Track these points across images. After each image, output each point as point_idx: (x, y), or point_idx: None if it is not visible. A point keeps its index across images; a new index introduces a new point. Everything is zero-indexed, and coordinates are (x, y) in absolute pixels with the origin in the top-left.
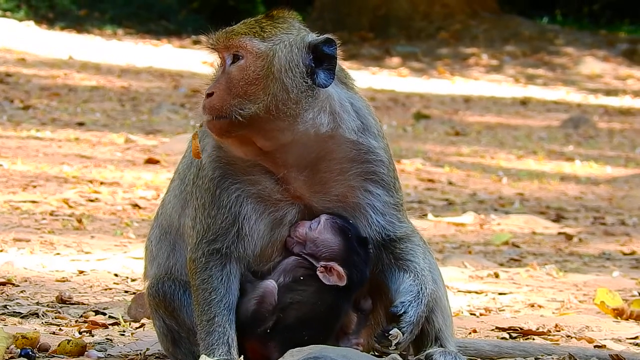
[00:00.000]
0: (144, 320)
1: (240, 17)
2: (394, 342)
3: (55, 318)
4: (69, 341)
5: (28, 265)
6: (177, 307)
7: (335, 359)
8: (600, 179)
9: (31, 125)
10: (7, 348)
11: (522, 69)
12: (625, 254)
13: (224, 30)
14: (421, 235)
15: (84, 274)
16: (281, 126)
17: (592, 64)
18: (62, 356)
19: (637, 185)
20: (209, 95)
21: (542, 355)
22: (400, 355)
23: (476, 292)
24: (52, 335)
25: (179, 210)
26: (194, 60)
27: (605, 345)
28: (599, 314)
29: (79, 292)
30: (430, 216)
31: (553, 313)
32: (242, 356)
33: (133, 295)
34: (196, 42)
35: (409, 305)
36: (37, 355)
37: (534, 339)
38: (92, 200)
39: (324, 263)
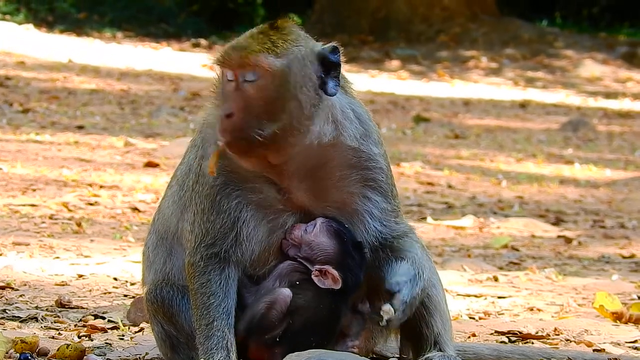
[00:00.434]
0: (143, 325)
1: (239, 20)
2: (385, 317)
3: (55, 322)
4: (68, 345)
5: (27, 269)
6: (175, 312)
7: None
8: (600, 182)
9: (30, 128)
10: (7, 352)
11: (522, 72)
12: (624, 257)
13: (235, 46)
14: (419, 237)
15: (84, 278)
16: (293, 141)
17: (591, 67)
18: None
19: (637, 188)
20: (228, 116)
21: (541, 359)
22: (399, 359)
23: (475, 296)
24: (51, 339)
25: (178, 215)
26: (194, 63)
27: (604, 349)
28: (598, 318)
29: (78, 296)
30: (429, 219)
31: (552, 317)
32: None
33: (132, 299)
34: (196, 45)
35: (404, 285)
36: (36, 359)
37: (533, 343)
38: (91, 204)
39: (319, 266)
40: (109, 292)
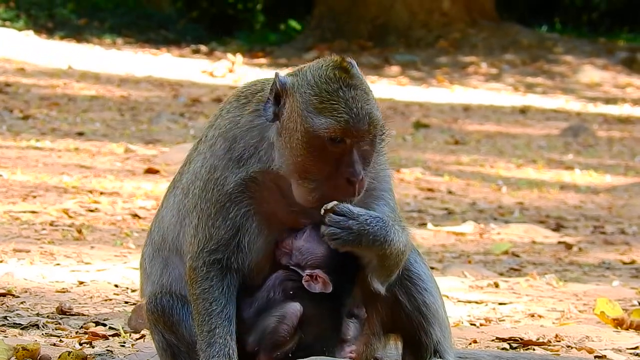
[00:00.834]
0: (144, 331)
1: (239, 26)
2: (323, 207)
3: (56, 329)
4: (69, 352)
5: (28, 276)
6: (176, 321)
7: None
8: (600, 187)
9: (31, 135)
10: (8, 359)
11: (521, 78)
12: (625, 263)
13: (363, 115)
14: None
15: (84, 285)
16: None
17: (591, 72)
18: None
19: (637, 194)
20: (360, 179)
21: None
22: None
23: (476, 302)
24: (52, 346)
25: (181, 221)
26: (194, 69)
27: (605, 356)
28: (599, 324)
29: (79, 303)
30: (429, 225)
31: (553, 323)
32: None
33: (133, 306)
34: (195, 51)
35: (364, 211)
36: None
37: (534, 350)
38: (91, 211)
39: (309, 271)
40: (110, 299)
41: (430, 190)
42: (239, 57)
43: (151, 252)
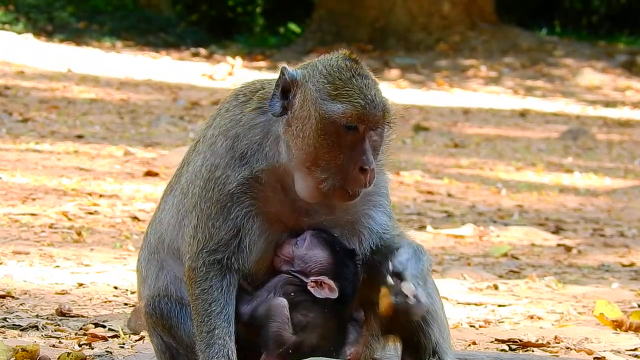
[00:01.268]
0: (143, 333)
1: (238, 29)
2: (411, 294)
3: (55, 331)
4: (68, 354)
5: (27, 278)
6: (174, 324)
7: None
8: (600, 190)
9: (30, 138)
10: None
11: (521, 81)
12: (624, 266)
13: (378, 102)
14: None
15: (84, 287)
16: None
17: (591, 76)
18: None
19: (636, 196)
20: (366, 169)
21: None
22: None
23: (475, 304)
24: (52, 348)
25: (180, 221)
26: (193, 72)
27: (604, 357)
28: (599, 326)
29: (79, 305)
30: (429, 228)
31: (552, 325)
32: None
33: (133, 308)
34: (195, 55)
35: (408, 261)
36: None
37: (533, 351)
38: (91, 213)
39: (314, 278)
40: (110, 301)
41: (429, 193)
42: (238, 60)
43: (147, 256)
